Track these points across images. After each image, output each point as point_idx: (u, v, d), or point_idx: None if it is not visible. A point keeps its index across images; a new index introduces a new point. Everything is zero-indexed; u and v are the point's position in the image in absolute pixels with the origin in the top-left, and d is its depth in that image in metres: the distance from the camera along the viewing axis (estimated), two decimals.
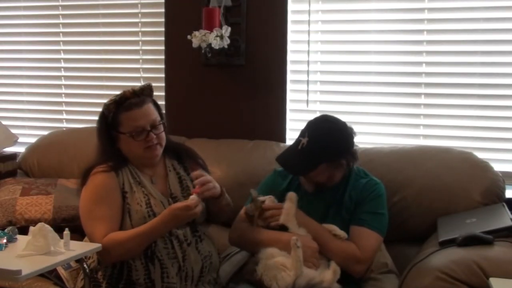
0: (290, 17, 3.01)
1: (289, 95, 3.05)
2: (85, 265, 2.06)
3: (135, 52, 3.33)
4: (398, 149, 2.68)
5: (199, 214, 2.08)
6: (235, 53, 3.03)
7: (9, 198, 2.68)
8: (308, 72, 3.00)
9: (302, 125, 2.26)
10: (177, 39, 3.08)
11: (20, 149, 3.25)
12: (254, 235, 2.17)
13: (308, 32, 2.96)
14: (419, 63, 2.87)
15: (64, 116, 3.52)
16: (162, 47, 3.22)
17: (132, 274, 2.10)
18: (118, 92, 2.19)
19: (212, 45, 2.85)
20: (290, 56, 3.03)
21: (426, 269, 1.97)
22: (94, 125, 2.27)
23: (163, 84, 3.22)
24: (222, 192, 2.23)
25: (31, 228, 1.94)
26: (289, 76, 3.04)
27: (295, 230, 2.13)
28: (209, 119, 3.14)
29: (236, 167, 2.76)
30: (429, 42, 2.84)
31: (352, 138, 2.22)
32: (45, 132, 3.30)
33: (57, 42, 3.48)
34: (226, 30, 2.86)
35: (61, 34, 3.48)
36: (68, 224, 2.43)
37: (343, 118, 2.26)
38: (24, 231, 2.08)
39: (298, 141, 2.21)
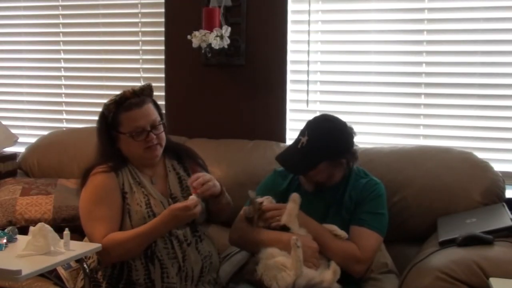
0: (290, 17, 3.01)
1: (289, 95, 3.05)
2: (85, 265, 2.06)
3: (135, 52, 3.33)
4: (398, 149, 2.68)
5: (198, 215, 2.08)
6: (235, 53, 3.03)
7: (9, 198, 2.68)
8: (308, 72, 3.00)
9: (302, 125, 2.26)
10: (177, 39, 3.08)
11: (20, 149, 3.25)
12: (254, 235, 2.17)
13: (308, 32, 2.96)
14: (419, 63, 2.87)
15: (64, 116, 3.53)
16: (162, 47, 3.22)
17: (132, 274, 2.10)
18: (118, 92, 2.19)
19: (212, 45, 2.85)
20: (290, 56, 3.03)
21: (426, 269, 1.97)
22: (94, 125, 2.26)
23: (163, 84, 3.22)
24: (222, 191, 2.23)
25: (31, 228, 1.94)
26: (289, 76, 3.04)
27: (297, 230, 2.13)
28: (209, 119, 3.14)
29: (236, 167, 2.76)
30: (429, 42, 2.84)
31: (352, 137, 2.22)
32: (45, 132, 3.30)
33: (57, 42, 3.48)
34: (226, 30, 2.86)
35: (61, 34, 3.48)
36: (68, 224, 2.43)
37: (343, 118, 2.26)
38: (24, 231, 2.08)
39: (298, 140, 2.21)
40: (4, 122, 3.31)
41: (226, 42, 2.87)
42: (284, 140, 3.01)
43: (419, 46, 2.87)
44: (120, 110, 2.15)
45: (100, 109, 2.21)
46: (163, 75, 3.23)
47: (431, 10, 2.83)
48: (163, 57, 3.22)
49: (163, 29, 3.21)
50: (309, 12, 2.95)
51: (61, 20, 3.46)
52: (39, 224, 1.92)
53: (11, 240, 2.00)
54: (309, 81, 3.00)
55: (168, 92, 3.22)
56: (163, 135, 2.22)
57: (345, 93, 3.00)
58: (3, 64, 3.61)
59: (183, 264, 2.11)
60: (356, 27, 2.96)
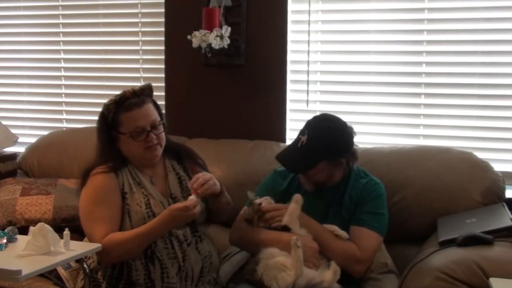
0: (290, 17, 3.01)
1: (289, 95, 3.05)
2: (85, 265, 2.06)
3: (135, 52, 3.33)
4: (398, 149, 2.68)
5: (198, 215, 2.08)
6: (235, 53, 3.03)
7: (9, 198, 2.68)
8: (308, 72, 3.00)
9: (302, 125, 2.26)
10: (177, 39, 3.08)
11: (20, 149, 3.25)
12: (255, 236, 2.17)
13: (308, 32, 2.96)
14: (419, 63, 2.87)
15: (64, 116, 3.53)
16: (162, 47, 3.22)
17: (132, 274, 2.10)
18: (118, 92, 2.19)
19: (212, 45, 2.85)
20: (290, 56, 3.03)
21: (426, 269, 1.97)
22: (94, 125, 2.26)
23: (163, 84, 3.22)
24: (222, 190, 2.23)
25: (31, 228, 1.94)
26: (289, 76, 3.04)
27: (297, 231, 2.12)
28: (209, 119, 3.14)
29: (236, 167, 2.76)
30: (429, 42, 2.84)
31: (352, 137, 2.22)
32: (45, 132, 3.30)
33: (57, 42, 3.48)
34: (226, 30, 2.86)
35: (61, 34, 3.48)
36: (68, 224, 2.43)
37: (343, 118, 2.26)
38: (24, 231, 2.08)
39: (298, 139, 2.21)
40: (4, 122, 3.31)
41: (226, 42, 2.87)
42: (284, 140, 3.01)
43: (419, 46, 2.87)
44: (120, 110, 2.15)
45: (100, 109, 2.21)
46: (163, 75, 3.23)
47: (431, 10, 2.83)
48: (163, 57, 3.22)
49: (163, 29, 3.21)
50: (309, 12, 2.95)
51: (61, 20, 3.46)
52: (39, 224, 1.92)
53: (11, 240, 2.00)
54: (309, 81, 3.00)
55: (168, 92, 3.22)
56: (163, 135, 2.22)
57: (345, 93, 3.00)
58: (3, 64, 3.61)
59: (183, 264, 2.11)
60: (356, 27, 2.96)
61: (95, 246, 2.00)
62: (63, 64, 3.50)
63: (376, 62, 2.92)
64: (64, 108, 3.52)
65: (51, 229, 1.92)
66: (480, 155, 2.58)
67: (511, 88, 2.75)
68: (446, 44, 2.82)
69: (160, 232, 2.07)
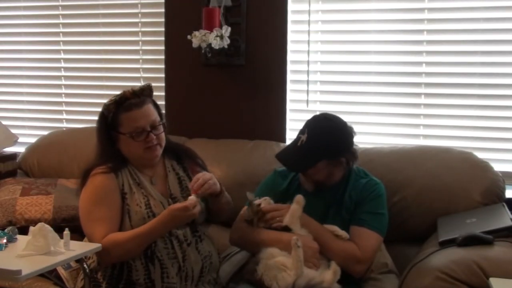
0: (290, 17, 3.01)
1: (289, 95, 3.05)
2: (85, 265, 2.06)
3: (135, 52, 3.33)
4: (398, 149, 2.68)
5: (197, 215, 2.08)
6: (235, 53, 3.03)
7: (9, 198, 2.68)
8: (308, 72, 3.00)
9: (302, 125, 2.26)
10: (177, 39, 3.08)
11: (20, 149, 3.25)
12: (255, 236, 2.16)
13: (308, 32, 2.96)
14: (419, 63, 2.87)
15: (64, 116, 3.53)
16: (162, 47, 3.22)
17: (132, 274, 2.10)
18: (118, 92, 2.19)
19: (212, 45, 2.85)
20: (290, 56, 3.03)
21: (426, 269, 1.97)
22: (94, 125, 2.26)
23: (163, 84, 3.22)
24: (222, 190, 2.23)
25: (31, 228, 1.94)
26: (289, 76, 3.04)
27: (298, 231, 2.12)
28: (209, 119, 3.14)
29: (236, 167, 2.76)
30: (429, 42, 2.84)
31: (352, 136, 2.22)
32: (45, 132, 3.30)
33: (57, 42, 3.48)
34: (226, 30, 2.86)
35: (61, 34, 3.48)
36: (68, 224, 2.42)
37: (343, 118, 2.26)
38: (24, 231, 2.08)
39: (298, 138, 2.22)
40: (4, 122, 3.30)
41: (226, 42, 2.87)
42: (284, 140, 3.01)
43: (419, 46, 2.87)
44: (120, 110, 2.15)
45: (100, 109, 2.21)
46: (163, 75, 3.23)
47: (431, 10, 2.83)
48: (163, 57, 3.22)
49: (163, 29, 3.21)
50: (309, 12, 2.95)
51: (61, 20, 3.46)
52: (39, 224, 1.92)
53: (11, 240, 2.00)
54: (309, 81, 3.00)
55: (168, 92, 3.22)
56: (163, 135, 2.22)
57: (345, 93, 3.00)
58: (3, 64, 3.61)
59: (183, 264, 2.11)
60: (356, 27, 2.96)
61: (95, 246, 2.00)
62: (63, 64, 3.50)
63: (376, 62, 2.92)
64: (64, 108, 3.52)
65: (51, 229, 1.92)
66: (480, 155, 2.58)
67: (511, 88, 2.75)
68: (446, 44, 2.82)
69: (160, 232, 2.07)
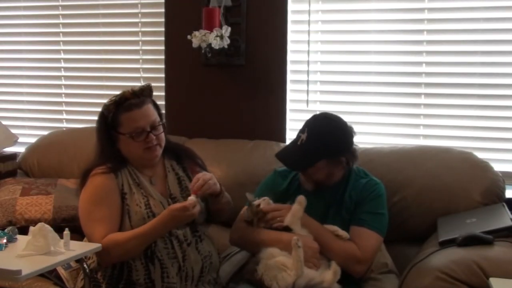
0: (290, 17, 3.01)
1: (289, 95, 3.05)
2: (85, 265, 2.06)
3: (135, 52, 3.33)
4: (398, 149, 2.68)
5: (197, 215, 2.08)
6: (235, 53, 3.03)
7: (9, 198, 2.68)
8: (308, 72, 3.00)
9: (302, 125, 2.26)
10: (177, 39, 3.08)
11: (20, 149, 3.25)
12: (255, 236, 2.16)
13: (308, 32, 2.96)
14: (419, 63, 2.87)
15: (64, 116, 3.53)
16: (162, 47, 3.22)
17: (132, 274, 2.10)
18: (118, 92, 2.19)
19: (212, 45, 2.85)
20: (290, 56, 3.03)
21: (426, 269, 1.97)
22: (94, 125, 2.26)
23: (163, 84, 3.22)
24: (222, 190, 2.23)
25: (31, 228, 1.94)
26: (289, 76, 3.04)
27: (299, 232, 2.12)
28: (209, 119, 3.14)
29: (236, 167, 2.76)
30: (429, 42, 2.84)
31: (352, 136, 2.22)
32: (45, 132, 3.30)
33: (57, 42, 3.48)
34: (226, 30, 2.86)
35: (61, 34, 3.48)
36: (68, 224, 2.42)
37: (343, 118, 2.26)
38: (24, 231, 2.08)
39: (297, 137, 2.22)
40: (4, 122, 3.30)
41: (226, 42, 2.87)
42: (284, 140, 3.01)
43: (419, 46, 2.87)
44: (119, 110, 2.15)
45: (100, 109, 2.21)
46: (163, 75, 3.23)
47: (431, 10, 2.83)
48: (163, 57, 3.22)
49: (163, 29, 3.21)
50: (309, 12, 2.95)
51: (61, 20, 3.46)
52: (39, 224, 1.92)
53: (11, 240, 2.00)
54: (309, 81, 3.00)
55: (168, 92, 3.22)
56: (162, 135, 2.22)
57: (345, 93, 3.00)
58: (3, 64, 3.61)
59: (183, 264, 2.11)
60: (356, 27, 2.96)
61: (95, 246, 2.00)
62: (63, 64, 3.50)
63: (376, 62, 2.92)
64: (64, 108, 3.52)
65: (51, 229, 1.92)
66: (480, 155, 2.58)
67: (511, 88, 2.75)
68: (446, 44, 2.82)
69: (159, 232, 2.07)
